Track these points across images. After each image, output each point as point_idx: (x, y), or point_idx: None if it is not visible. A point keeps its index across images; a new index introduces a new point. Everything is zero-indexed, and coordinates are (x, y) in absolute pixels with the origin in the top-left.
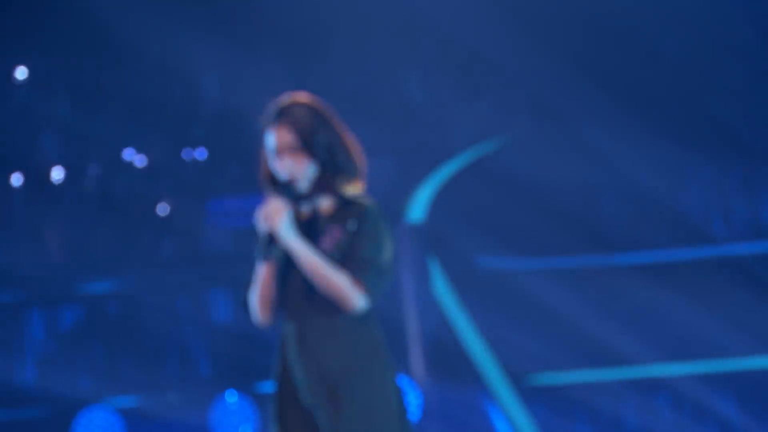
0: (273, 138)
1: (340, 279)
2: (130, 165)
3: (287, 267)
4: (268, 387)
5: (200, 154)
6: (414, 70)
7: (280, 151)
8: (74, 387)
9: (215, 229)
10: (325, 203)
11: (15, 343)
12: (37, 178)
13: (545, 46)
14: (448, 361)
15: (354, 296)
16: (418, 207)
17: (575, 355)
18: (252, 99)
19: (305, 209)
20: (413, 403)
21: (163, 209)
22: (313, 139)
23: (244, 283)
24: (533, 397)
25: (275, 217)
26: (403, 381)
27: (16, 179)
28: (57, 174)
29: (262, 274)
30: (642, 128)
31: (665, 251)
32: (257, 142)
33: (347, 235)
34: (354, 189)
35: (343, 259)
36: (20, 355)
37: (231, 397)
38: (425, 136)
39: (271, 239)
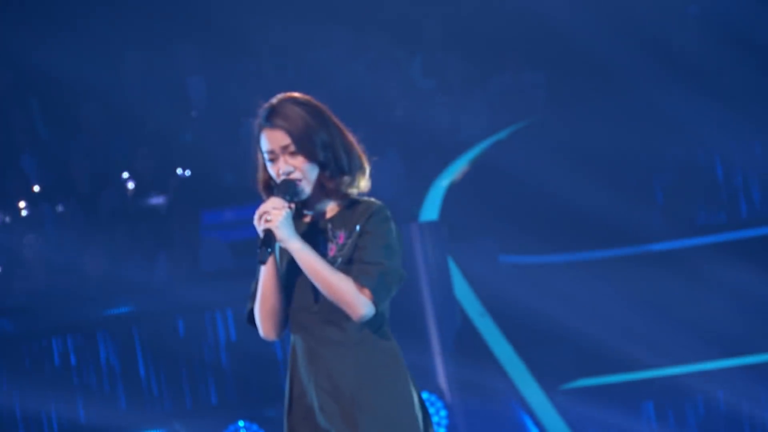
0: (267, 141)
1: (344, 284)
2: (117, 180)
3: (291, 273)
4: (280, 412)
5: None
6: (418, 54)
7: (275, 155)
8: (70, 421)
9: (212, 244)
10: (328, 206)
11: (7, 375)
12: (15, 200)
13: (561, 24)
14: (474, 369)
15: (360, 303)
16: (431, 205)
17: (612, 357)
18: (243, 100)
19: (307, 213)
20: (438, 417)
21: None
22: (309, 139)
23: (250, 295)
24: (570, 405)
25: (272, 215)
26: (425, 394)
27: None
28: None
29: (263, 280)
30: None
31: (699, 238)
32: (251, 146)
33: (352, 239)
34: (358, 190)
35: (349, 264)
36: (11, 386)
37: (241, 425)
38: (435, 127)
39: (270, 240)
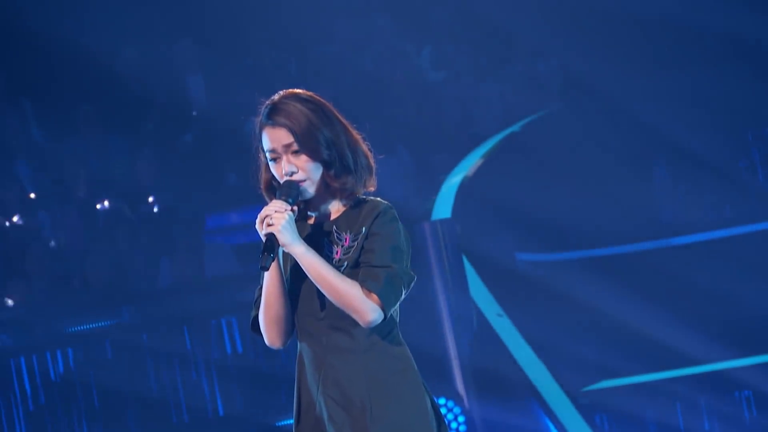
0: (268, 140)
1: (350, 289)
2: (114, 187)
3: (296, 278)
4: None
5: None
6: (427, 45)
7: (277, 154)
8: None
9: (217, 248)
10: (333, 207)
11: (6, 390)
12: (10, 207)
13: (575, 8)
14: (492, 372)
15: (367, 309)
16: (444, 203)
17: (637, 356)
18: (245, 98)
19: (311, 215)
20: (456, 424)
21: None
22: (313, 137)
23: (253, 302)
24: (593, 408)
25: (275, 218)
26: (441, 400)
27: None
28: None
29: (267, 287)
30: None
31: (722, 230)
32: (253, 146)
33: (358, 241)
34: (364, 189)
35: (355, 267)
36: (7, 407)
37: None
38: (445, 121)
39: (273, 245)
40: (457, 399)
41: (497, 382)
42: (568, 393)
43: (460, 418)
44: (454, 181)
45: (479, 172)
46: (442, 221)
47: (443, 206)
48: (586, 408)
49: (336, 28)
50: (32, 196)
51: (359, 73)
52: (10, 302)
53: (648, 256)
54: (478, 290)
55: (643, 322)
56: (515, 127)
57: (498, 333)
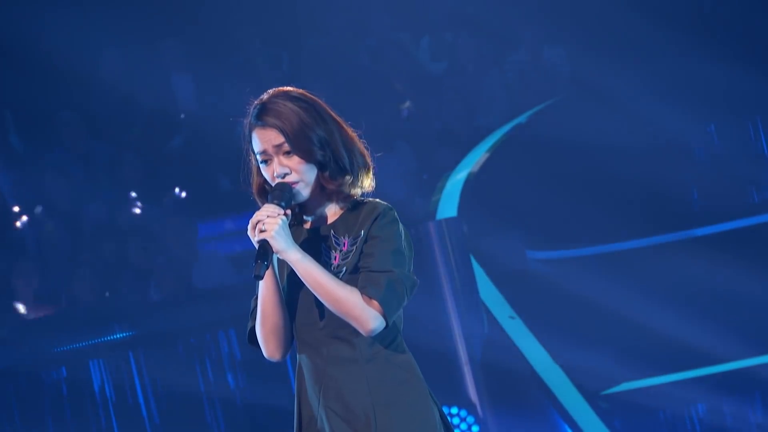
0: (258, 141)
1: (350, 297)
2: (102, 193)
3: (293, 286)
4: None
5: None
6: (425, 36)
7: (269, 156)
8: None
9: (211, 257)
10: (330, 210)
11: None
12: None
13: None
14: (506, 378)
15: (368, 317)
16: (449, 200)
17: (659, 356)
18: (235, 97)
19: (307, 219)
20: None
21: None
22: (305, 137)
23: (249, 313)
24: (615, 414)
25: (267, 223)
26: (454, 409)
27: None
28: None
29: (263, 297)
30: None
31: (742, 220)
32: (244, 149)
33: (357, 245)
34: (362, 190)
35: (355, 273)
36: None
37: None
38: (448, 114)
39: (266, 252)
40: (470, 407)
41: (512, 387)
42: (586, 397)
43: (474, 428)
44: (458, 177)
45: (485, 167)
46: (448, 220)
47: (448, 204)
48: (607, 412)
49: (330, 19)
50: (16, 209)
51: (355, 66)
52: None
53: (666, 250)
54: (488, 292)
55: (664, 321)
56: (521, 119)
57: (511, 336)
